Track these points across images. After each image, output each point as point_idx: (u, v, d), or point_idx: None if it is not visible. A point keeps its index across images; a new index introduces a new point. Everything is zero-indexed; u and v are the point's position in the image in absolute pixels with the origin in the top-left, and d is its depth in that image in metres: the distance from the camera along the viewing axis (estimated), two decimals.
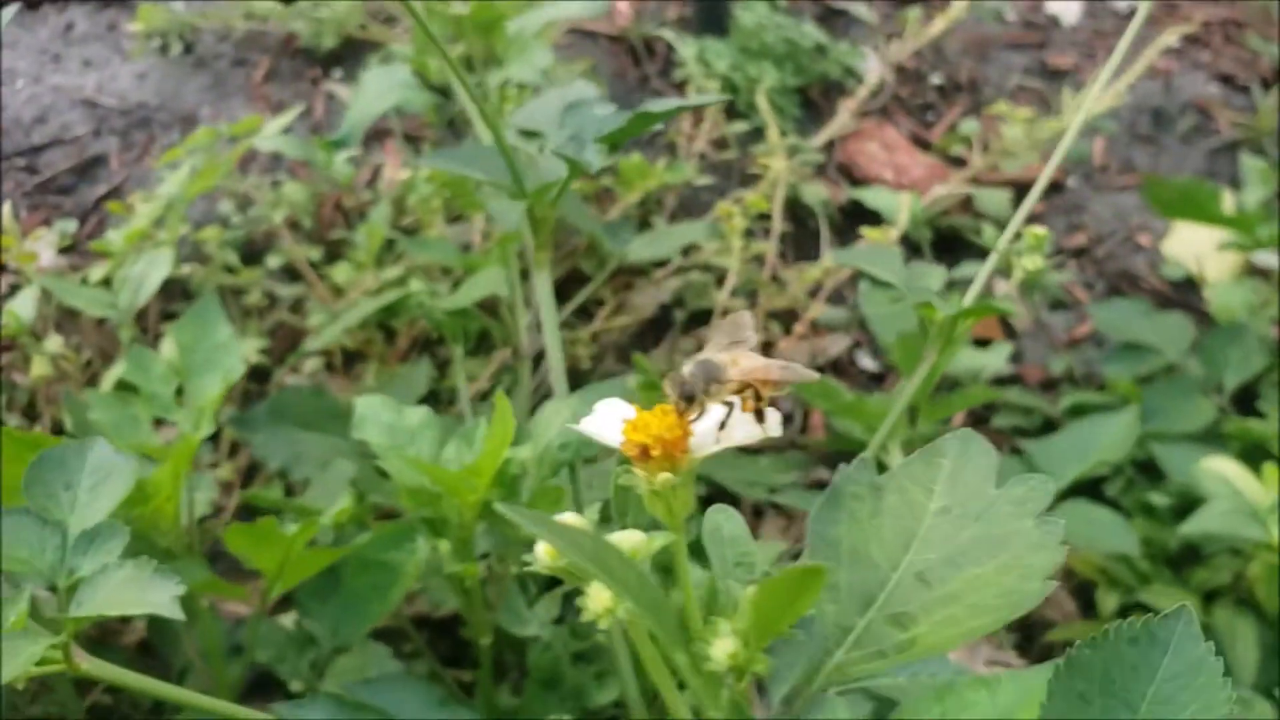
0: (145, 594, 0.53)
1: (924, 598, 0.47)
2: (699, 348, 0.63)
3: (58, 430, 1.14)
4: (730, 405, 0.48)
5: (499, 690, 0.96)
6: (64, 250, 1.36)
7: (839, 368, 1.37)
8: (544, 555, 0.46)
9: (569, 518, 0.47)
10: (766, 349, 1.34)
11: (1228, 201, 1.35)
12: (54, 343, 1.15)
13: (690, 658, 0.42)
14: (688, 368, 0.47)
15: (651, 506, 0.47)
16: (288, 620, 1.01)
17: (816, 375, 0.49)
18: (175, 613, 0.52)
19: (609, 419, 0.49)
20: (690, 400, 0.46)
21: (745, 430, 0.49)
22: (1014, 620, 0.47)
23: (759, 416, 0.48)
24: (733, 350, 0.49)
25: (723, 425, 0.48)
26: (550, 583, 0.92)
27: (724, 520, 0.51)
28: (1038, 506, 0.47)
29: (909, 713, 0.66)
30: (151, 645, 1.00)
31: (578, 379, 1.30)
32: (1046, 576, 0.45)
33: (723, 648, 0.44)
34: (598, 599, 0.44)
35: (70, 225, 1.39)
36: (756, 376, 0.48)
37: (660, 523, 0.48)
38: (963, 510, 0.48)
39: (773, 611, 0.41)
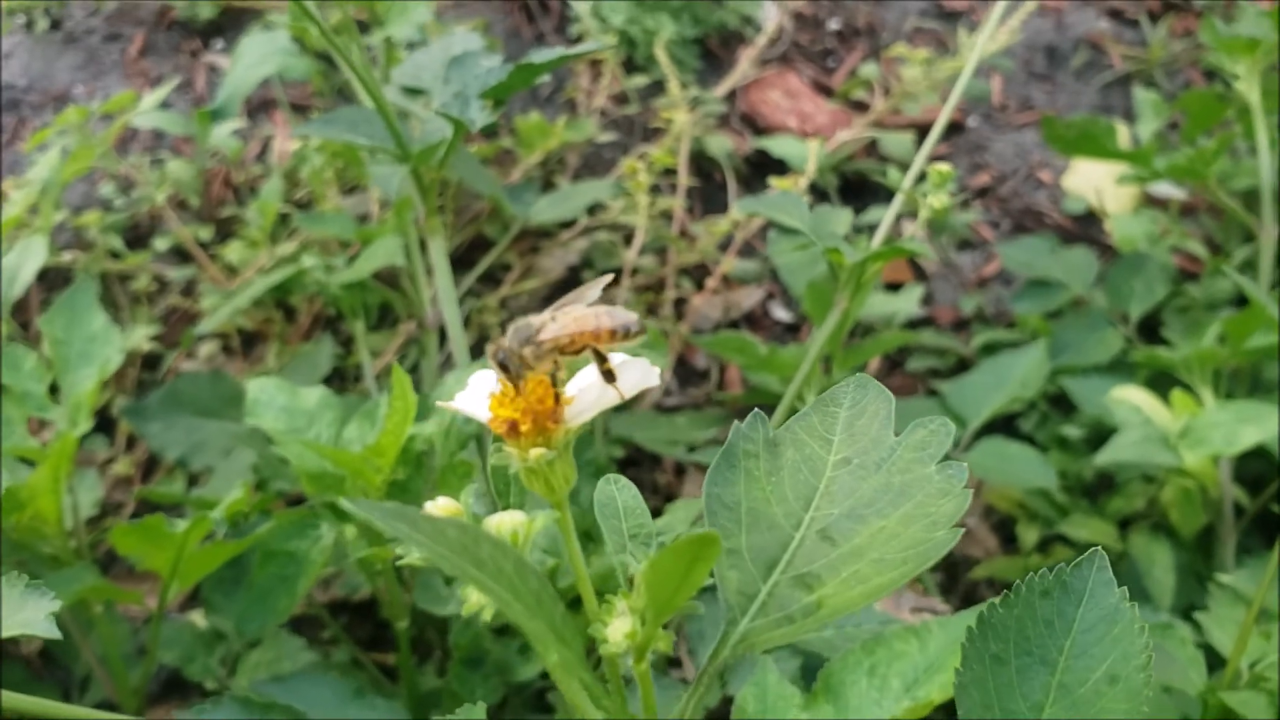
0: (17, 614, 0.49)
1: (829, 556, 0.44)
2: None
3: None
4: (556, 366, 0.44)
5: (423, 671, 0.94)
6: None
7: (753, 320, 1.35)
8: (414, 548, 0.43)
9: (442, 503, 0.44)
10: (679, 305, 1.32)
11: (1123, 134, 1.36)
12: None
13: (569, 654, 0.39)
14: (505, 335, 0.43)
15: (530, 484, 0.43)
16: (199, 617, 0.97)
17: (634, 316, 0.45)
18: (51, 632, 0.49)
19: (482, 393, 0.44)
20: (505, 368, 0.42)
21: (602, 393, 0.45)
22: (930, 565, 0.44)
23: (608, 376, 0.44)
24: (560, 309, 0.45)
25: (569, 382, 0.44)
26: None
27: (617, 491, 0.47)
28: (939, 451, 0.45)
29: (839, 666, 0.65)
30: (52, 653, 0.95)
31: None
32: (952, 524, 0.42)
33: (619, 628, 0.41)
34: (475, 592, 0.41)
35: None
36: (572, 330, 0.44)
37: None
38: (863, 460, 0.46)
39: (668, 586, 0.38)
